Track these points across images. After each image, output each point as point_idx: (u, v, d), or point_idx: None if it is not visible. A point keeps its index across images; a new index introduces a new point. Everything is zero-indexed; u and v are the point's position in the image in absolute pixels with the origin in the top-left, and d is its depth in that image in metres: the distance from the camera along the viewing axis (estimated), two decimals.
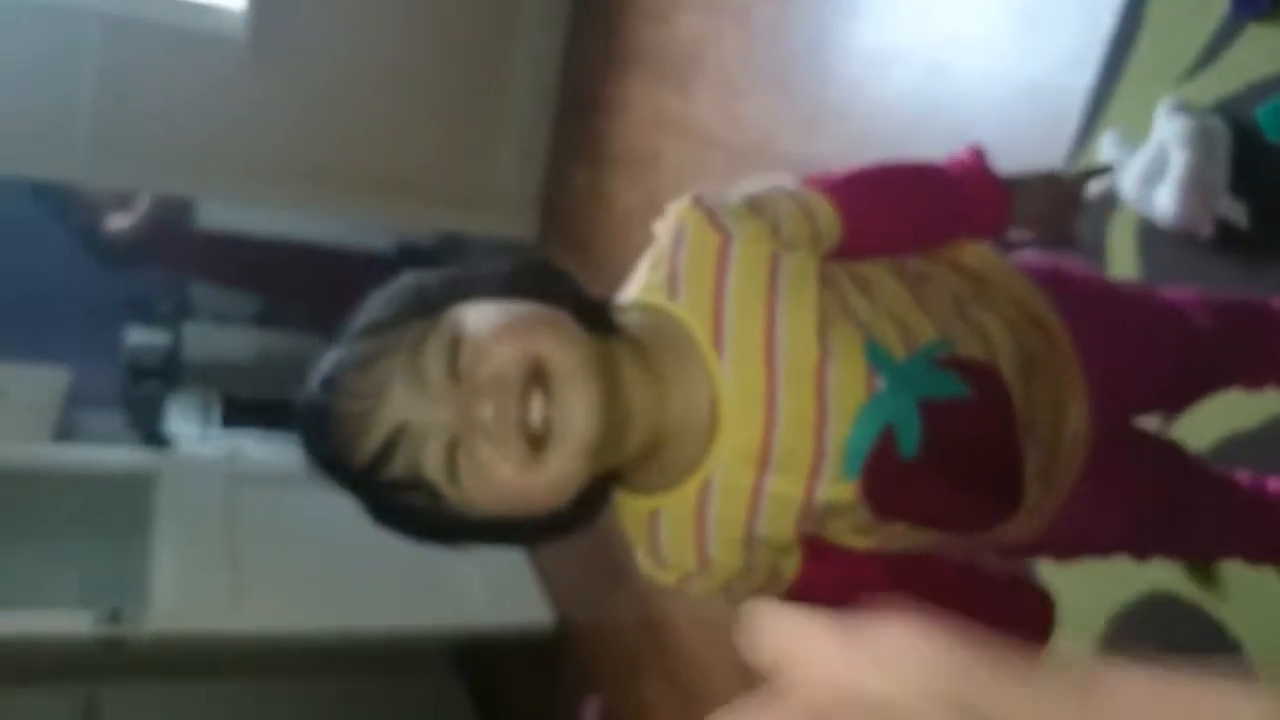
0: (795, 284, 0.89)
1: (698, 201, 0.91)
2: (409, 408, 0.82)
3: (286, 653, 3.63)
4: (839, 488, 0.89)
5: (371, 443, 0.83)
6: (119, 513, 3.65)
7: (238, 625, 3.37)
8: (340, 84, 3.72)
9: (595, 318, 0.89)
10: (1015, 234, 1.09)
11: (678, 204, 0.92)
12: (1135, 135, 1.66)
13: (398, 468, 0.83)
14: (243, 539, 3.64)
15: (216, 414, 4.88)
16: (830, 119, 2.63)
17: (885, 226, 0.99)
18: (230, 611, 3.38)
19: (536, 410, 0.81)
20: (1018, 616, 1.04)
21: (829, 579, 0.94)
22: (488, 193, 4.00)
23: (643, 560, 0.94)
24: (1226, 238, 1.57)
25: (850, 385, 0.88)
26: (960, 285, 1.03)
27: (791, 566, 0.93)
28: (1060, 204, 1.10)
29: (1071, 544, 1.19)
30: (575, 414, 0.82)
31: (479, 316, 0.85)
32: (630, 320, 0.91)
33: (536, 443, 0.81)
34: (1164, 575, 1.59)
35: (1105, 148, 1.68)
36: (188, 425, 4.78)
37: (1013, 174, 1.05)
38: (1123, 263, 1.71)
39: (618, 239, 3.48)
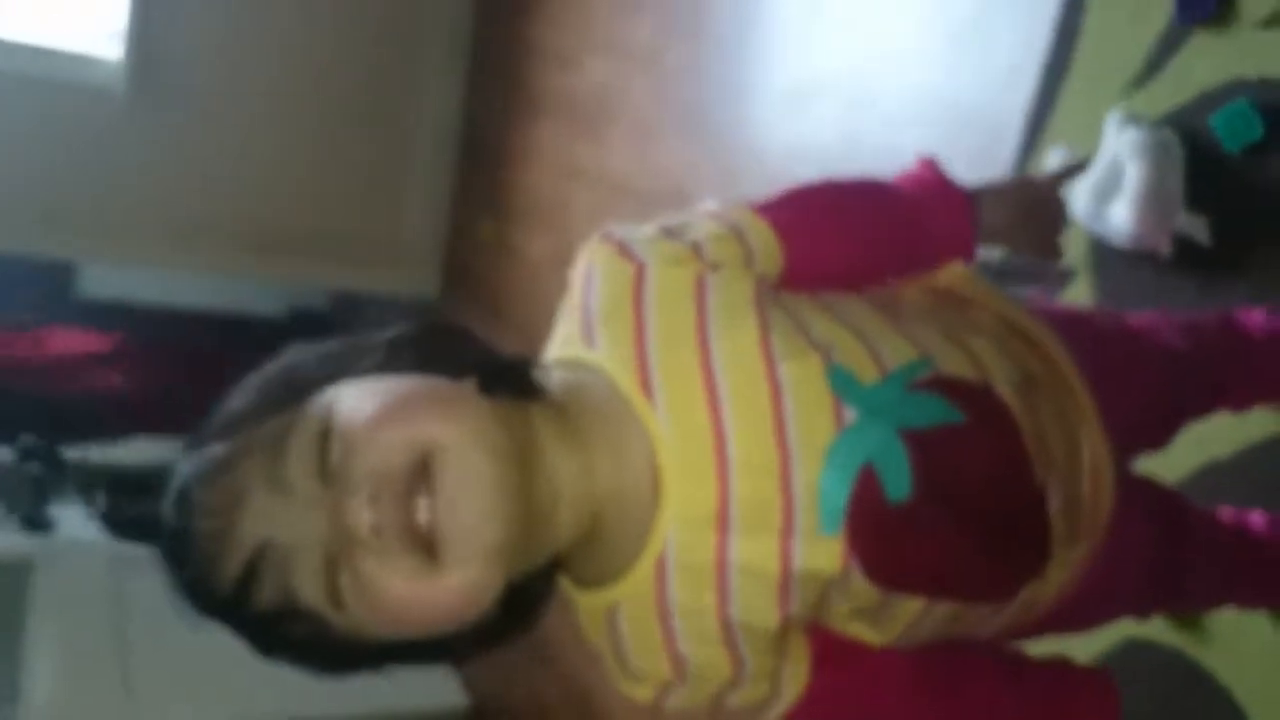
0: (728, 306, 0.75)
1: (606, 236, 0.79)
2: (270, 521, 0.69)
3: None
4: (820, 548, 0.73)
5: (231, 568, 0.70)
6: None
7: None
8: (226, 137, 3.54)
9: (509, 381, 0.76)
10: (988, 251, 0.97)
11: (586, 244, 0.80)
12: (1082, 152, 1.57)
13: (267, 595, 0.70)
14: (131, 629, 3.40)
15: (101, 497, 4.59)
16: (748, 160, 2.53)
17: (834, 245, 0.85)
18: (117, 710, 3.14)
19: (424, 510, 0.68)
20: (1080, 716, 0.89)
21: (845, 691, 0.80)
22: (386, 249, 3.85)
23: (612, 673, 0.80)
24: (1185, 255, 1.48)
25: (814, 418, 0.73)
26: (936, 305, 0.90)
27: (798, 676, 0.78)
28: (1037, 210, 0.98)
29: (1087, 611, 1.02)
30: (469, 510, 0.68)
31: (353, 398, 0.71)
32: (552, 381, 0.78)
33: (432, 548, 0.68)
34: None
35: (1052, 165, 1.58)
36: (71, 508, 4.48)
37: (978, 183, 0.93)
38: (1075, 285, 1.61)
39: (528, 294, 3.34)
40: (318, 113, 3.66)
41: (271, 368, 0.77)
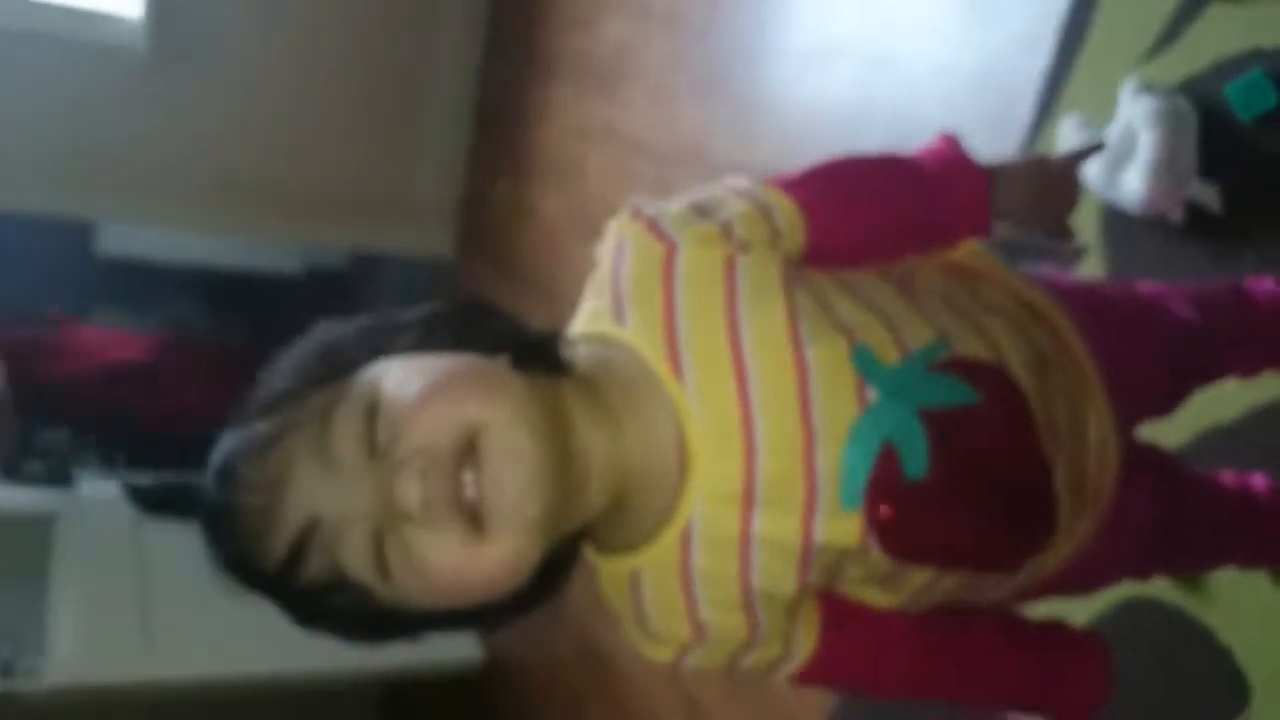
0: (757, 288, 0.77)
1: (636, 212, 0.80)
2: (319, 496, 0.71)
3: (201, 702, 3.42)
4: (841, 523, 0.76)
5: (278, 543, 0.72)
6: (13, 558, 3.42)
7: (147, 674, 3.18)
8: (246, 96, 3.55)
9: (539, 357, 0.78)
10: (1004, 229, 0.97)
11: (615, 219, 0.81)
12: (1097, 119, 1.59)
13: (314, 569, 0.72)
14: (152, 581, 3.45)
15: (122, 454, 4.63)
16: (765, 120, 2.54)
17: (857, 225, 0.86)
18: (139, 659, 3.19)
19: (471, 485, 0.70)
20: (1073, 675, 0.92)
21: (853, 651, 0.83)
22: (403, 208, 3.86)
23: (631, 634, 0.83)
24: (1196, 223, 1.50)
25: (838, 399, 0.75)
26: (950, 282, 0.92)
27: (808, 637, 0.81)
28: (1051, 191, 0.99)
29: (1091, 574, 1.04)
30: (513, 486, 0.70)
31: (398, 377, 0.73)
32: (580, 356, 0.80)
33: (478, 520, 0.70)
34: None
35: (1066, 132, 1.60)
36: (91, 467, 4.53)
37: (995, 161, 0.94)
38: (1086, 255, 1.63)
39: (543, 253, 3.35)
40: (336, 73, 3.66)
41: (307, 346, 0.78)
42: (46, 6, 3.38)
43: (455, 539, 0.70)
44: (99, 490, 4.17)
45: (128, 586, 3.39)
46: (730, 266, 0.77)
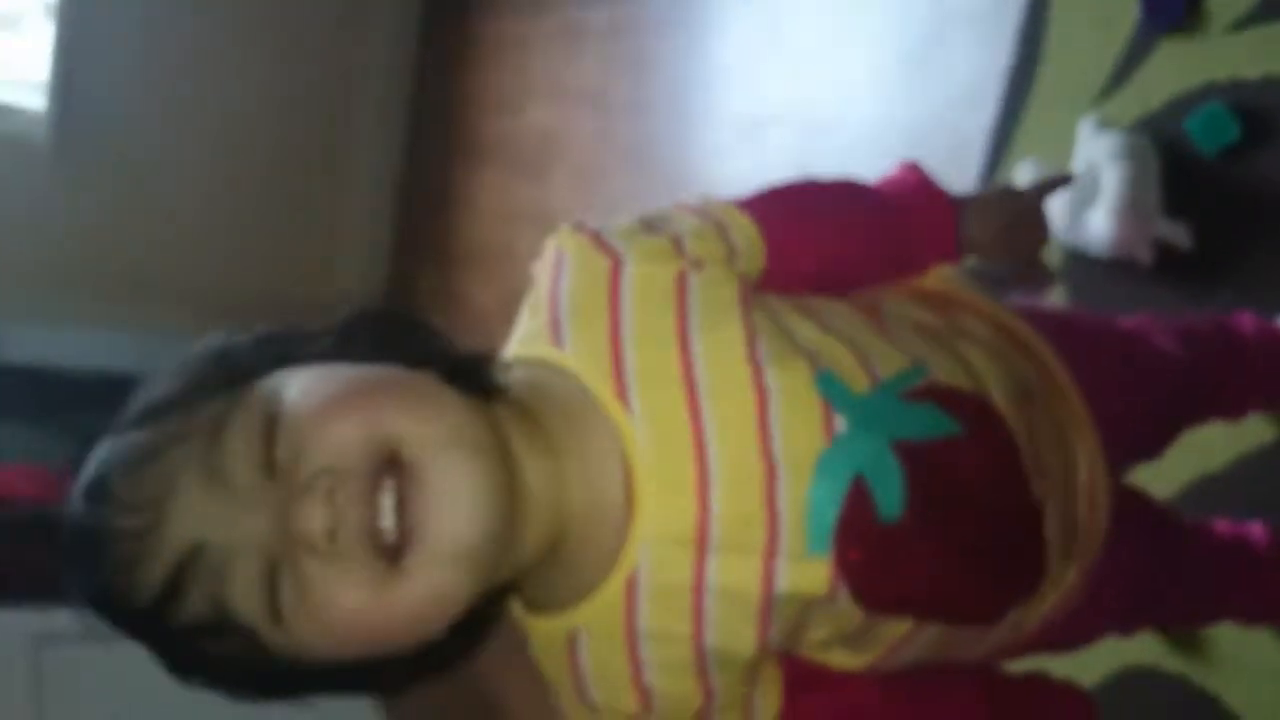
0: (711, 305, 0.70)
1: (578, 226, 0.75)
2: (205, 520, 0.61)
3: None
4: (807, 569, 0.67)
5: (154, 573, 0.61)
6: None
7: None
8: (157, 188, 3.43)
9: (471, 379, 0.70)
10: (973, 264, 0.91)
11: (555, 233, 0.76)
12: (1055, 165, 1.53)
13: (194, 606, 0.62)
14: (49, 709, 3.17)
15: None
16: (697, 194, 2.47)
17: (818, 245, 0.81)
18: None
19: (389, 509, 0.61)
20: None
21: (821, 718, 0.74)
22: (324, 302, 3.73)
23: (569, 707, 0.73)
24: (1165, 263, 1.44)
25: (802, 428, 0.67)
26: (922, 309, 0.84)
27: (770, 704, 0.71)
28: (1021, 224, 0.93)
29: (1075, 629, 0.95)
30: (452, 507, 0.61)
31: (304, 386, 0.64)
32: (515, 380, 0.72)
33: (394, 554, 0.61)
34: (1137, 647, 1.40)
35: (1024, 177, 1.54)
36: None
37: (962, 192, 0.89)
38: (1052, 296, 1.56)
39: (473, 341, 3.24)
40: (254, 164, 3.55)
41: (199, 352, 0.69)
42: None
43: (364, 576, 0.60)
44: None
45: (24, 715, 3.13)
46: (682, 283, 0.71)
